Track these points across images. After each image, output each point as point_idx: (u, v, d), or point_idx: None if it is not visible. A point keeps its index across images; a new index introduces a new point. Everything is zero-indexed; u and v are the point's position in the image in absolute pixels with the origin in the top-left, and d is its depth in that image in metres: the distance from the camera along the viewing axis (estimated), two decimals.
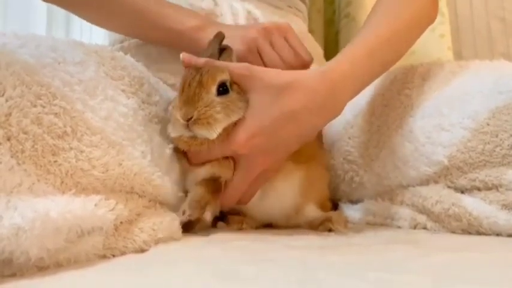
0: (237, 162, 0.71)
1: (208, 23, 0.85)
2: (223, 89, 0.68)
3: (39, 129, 0.54)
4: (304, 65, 0.79)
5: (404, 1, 0.86)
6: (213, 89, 0.68)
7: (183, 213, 0.69)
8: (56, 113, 0.56)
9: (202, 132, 0.66)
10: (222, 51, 0.75)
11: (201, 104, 0.66)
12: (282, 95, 0.68)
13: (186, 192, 0.74)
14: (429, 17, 0.90)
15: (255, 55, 0.78)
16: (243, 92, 0.70)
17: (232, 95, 0.69)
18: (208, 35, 0.79)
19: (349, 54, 0.75)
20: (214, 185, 0.72)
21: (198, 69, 0.69)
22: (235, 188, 0.72)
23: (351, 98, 0.75)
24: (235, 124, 0.69)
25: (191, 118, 0.65)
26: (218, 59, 0.73)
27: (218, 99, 0.67)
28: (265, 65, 0.77)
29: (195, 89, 0.67)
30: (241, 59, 0.77)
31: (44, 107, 0.55)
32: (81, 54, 0.64)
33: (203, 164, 0.72)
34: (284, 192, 0.77)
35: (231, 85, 0.69)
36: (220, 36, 0.75)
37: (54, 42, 0.63)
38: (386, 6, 0.85)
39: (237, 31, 0.82)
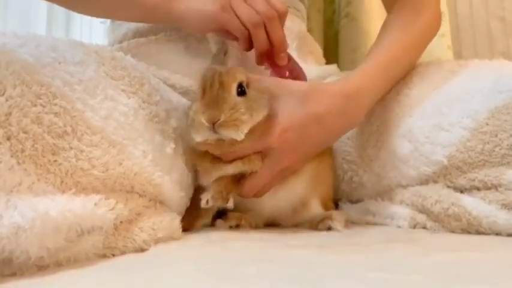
0: (266, 156, 0.72)
1: None
2: (241, 90, 0.69)
3: (39, 129, 0.54)
4: (280, 15, 0.78)
5: (415, 15, 0.90)
6: (234, 90, 0.68)
7: (207, 202, 0.71)
8: (56, 113, 0.56)
9: (229, 134, 0.67)
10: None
11: (226, 107, 0.66)
12: (307, 99, 0.73)
13: (198, 188, 0.75)
14: (436, 27, 0.95)
15: (229, 12, 0.76)
16: (262, 91, 0.72)
17: (251, 93, 0.70)
18: (184, 1, 0.80)
19: (365, 70, 0.81)
20: (238, 176, 0.73)
21: (214, 68, 0.70)
22: (260, 179, 0.73)
23: (369, 106, 0.81)
24: (265, 121, 0.70)
25: (217, 121, 0.65)
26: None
27: (240, 100, 0.68)
28: (240, 20, 0.76)
29: (218, 90, 0.67)
30: (215, 19, 0.77)
31: (44, 106, 0.55)
32: (81, 54, 0.64)
33: (232, 161, 0.72)
34: (295, 185, 0.78)
35: (247, 85, 0.70)
36: (223, 50, 0.77)
37: (54, 42, 0.63)
38: (398, 20, 0.90)
39: None
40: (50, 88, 0.56)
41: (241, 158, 0.72)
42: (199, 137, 0.68)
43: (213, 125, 0.65)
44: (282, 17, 0.77)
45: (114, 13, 0.92)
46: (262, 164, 0.72)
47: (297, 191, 0.79)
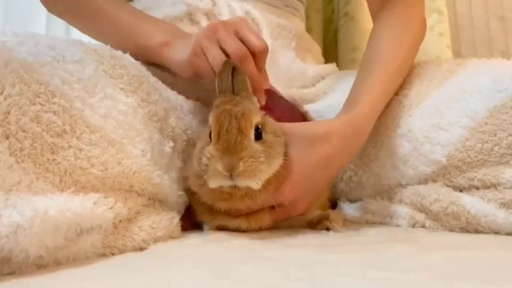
0: (278, 207, 0.72)
1: (175, 37, 0.85)
2: (257, 133, 0.66)
3: (38, 128, 0.54)
4: (257, 52, 0.75)
5: (405, 25, 0.90)
6: (252, 135, 0.65)
7: None
8: (55, 111, 0.56)
9: (247, 183, 0.64)
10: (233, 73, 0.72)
11: (245, 155, 0.62)
12: (317, 144, 0.73)
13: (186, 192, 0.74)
14: (424, 34, 0.95)
15: (201, 57, 0.76)
16: (277, 134, 0.70)
17: (268, 137, 0.67)
18: (172, 50, 0.82)
19: (368, 97, 0.80)
20: None
21: (229, 111, 0.65)
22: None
23: (370, 131, 0.81)
24: (279, 173, 0.68)
25: (234, 169, 0.62)
26: (233, 90, 0.70)
27: (259, 146, 0.65)
28: (210, 64, 0.75)
29: (236, 136, 0.63)
30: (189, 65, 0.78)
31: (43, 105, 0.55)
32: (80, 52, 0.64)
33: (239, 216, 0.70)
34: None
35: (263, 127, 0.67)
36: (229, 67, 0.71)
37: (53, 41, 0.63)
38: (389, 33, 0.89)
39: (194, 36, 0.80)
40: (49, 87, 0.56)
41: (248, 213, 0.70)
42: (214, 183, 0.64)
43: (231, 174, 0.62)
44: (259, 54, 0.75)
45: (110, 42, 0.91)
46: (272, 212, 0.72)
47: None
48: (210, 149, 0.64)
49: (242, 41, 0.74)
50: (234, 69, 0.71)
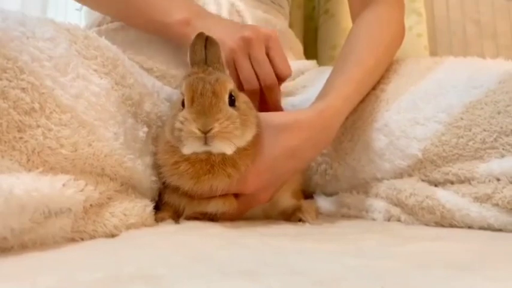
0: (241, 197, 0.72)
1: (196, 15, 0.83)
2: (231, 100, 0.65)
3: (5, 104, 0.52)
4: (281, 79, 0.80)
5: (383, 27, 0.91)
6: (227, 100, 0.64)
7: None
8: (24, 88, 0.54)
9: (221, 146, 0.62)
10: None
11: (221, 117, 0.61)
12: (282, 133, 0.72)
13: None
14: (401, 38, 0.95)
15: (232, 69, 0.77)
16: (250, 106, 0.69)
17: (241, 106, 0.66)
18: (195, 29, 0.77)
19: (340, 91, 0.79)
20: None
21: (202, 77, 0.64)
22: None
23: (339, 126, 0.80)
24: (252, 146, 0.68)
25: (210, 130, 0.60)
26: (205, 62, 0.69)
27: (235, 112, 0.64)
28: (240, 80, 0.78)
29: (211, 99, 0.62)
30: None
31: (10, 81, 0.53)
32: (52, 30, 0.62)
33: (211, 198, 0.70)
34: None
35: (236, 96, 0.66)
36: (202, 39, 0.70)
37: (22, 17, 0.60)
38: (367, 33, 0.90)
39: (219, 33, 0.79)
40: (17, 63, 0.54)
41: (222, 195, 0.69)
42: (188, 149, 0.62)
43: (205, 136, 0.60)
44: (281, 80, 0.79)
45: (121, 16, 0.89)
46: (237, 202, 0.72)
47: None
48: (184, 113, 0.62)
49: (271, 61, 0.78)
50: (207, 41, 0.70)
